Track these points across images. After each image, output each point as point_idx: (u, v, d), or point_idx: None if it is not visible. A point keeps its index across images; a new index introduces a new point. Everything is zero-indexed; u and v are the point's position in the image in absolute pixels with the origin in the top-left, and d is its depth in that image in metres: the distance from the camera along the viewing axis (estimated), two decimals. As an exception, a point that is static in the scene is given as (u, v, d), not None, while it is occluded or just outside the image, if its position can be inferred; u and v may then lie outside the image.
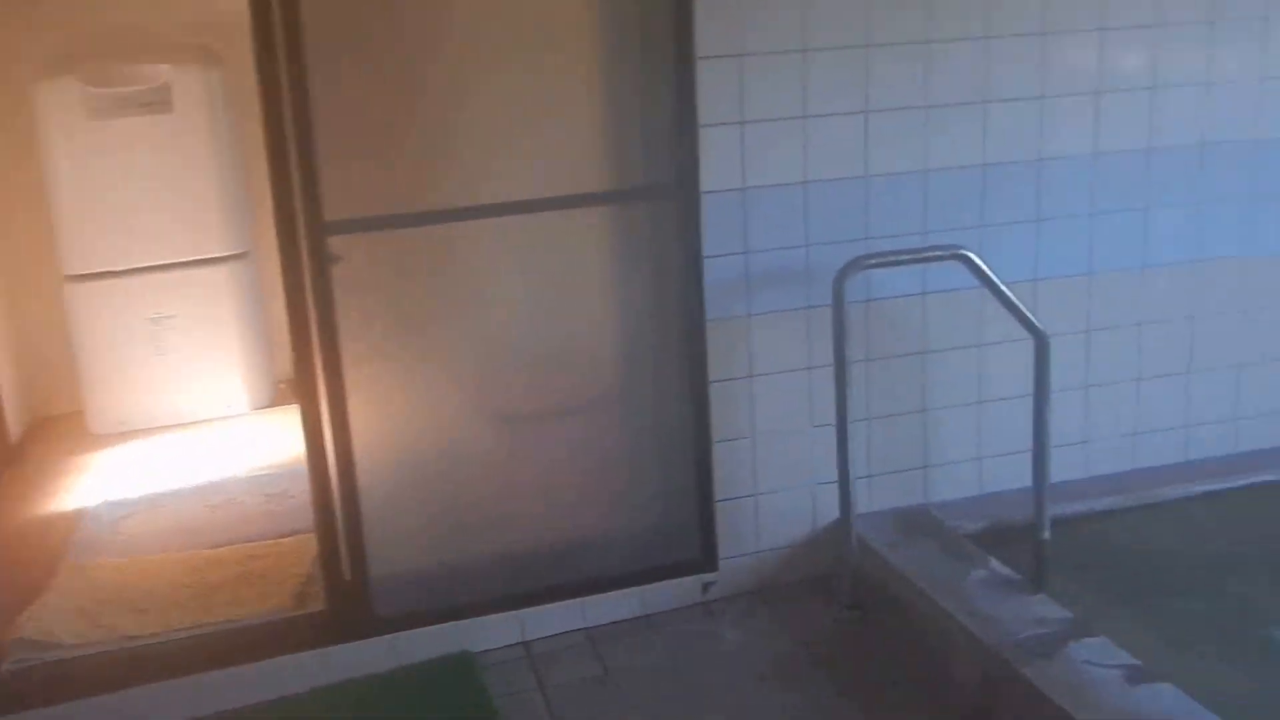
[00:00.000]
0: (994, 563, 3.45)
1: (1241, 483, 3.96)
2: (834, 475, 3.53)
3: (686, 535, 3.62)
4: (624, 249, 3.46)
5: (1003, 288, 3.31)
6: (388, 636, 3.33)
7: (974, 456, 3.83)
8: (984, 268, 3.32)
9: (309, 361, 3.21)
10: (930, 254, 3.42)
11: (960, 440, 3.81)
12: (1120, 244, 3.81)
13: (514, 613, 3.46)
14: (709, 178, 3.37)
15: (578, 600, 3.51)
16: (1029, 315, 3.30)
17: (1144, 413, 3.98)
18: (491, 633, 3.45)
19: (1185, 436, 4.05)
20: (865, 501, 3.70)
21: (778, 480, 3.65)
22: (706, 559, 3.62)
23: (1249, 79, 3.80)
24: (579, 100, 3.33)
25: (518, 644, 3.47)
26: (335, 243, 3.16)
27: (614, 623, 3.55)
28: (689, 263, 3.43)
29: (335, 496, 3.29)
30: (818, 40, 3.37)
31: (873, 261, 3.33)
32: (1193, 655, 3.14)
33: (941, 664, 3.23)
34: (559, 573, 3.52)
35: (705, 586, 3.65)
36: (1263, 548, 3.68)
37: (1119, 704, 2.75)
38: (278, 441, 4.99)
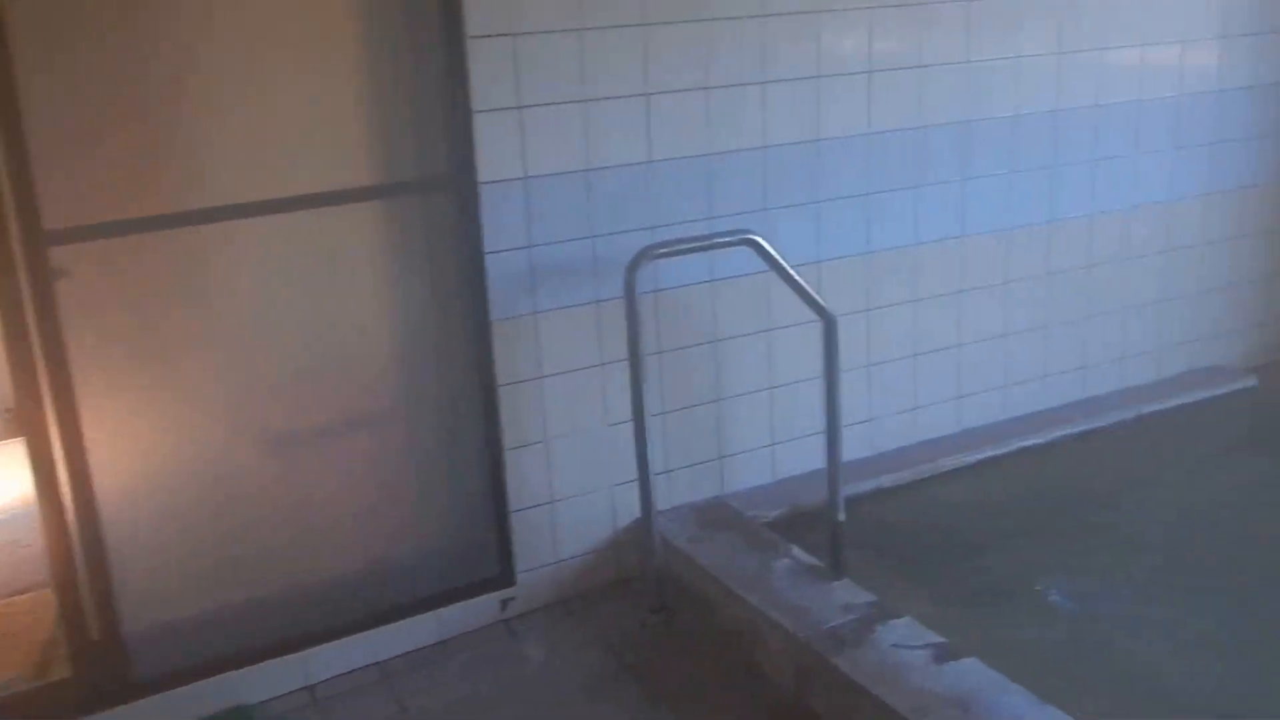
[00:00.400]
0: (796, 550, 3.40)
1: (1012, 448, 4.10)
2: (632, 474, 3.38)
3: (482, 550, 3.39)
4: (397, 248, 3.16)
5: (791, 271, 3.24)
6: (152, 698, 2.95)
7: (768, 443, 3.78)
8: (772, 252, 3.24)
9: (34, 389, 2.77)
10: (719, 240, 3.31)
11: (754, 427, 3.75)
12: (895, 222, 3.84)
13: (296, 655, 3.13)
14: (487, 167, 3.12)
15: (367, 633, 3.22)
16: (817, 298, 3.25)
17: (921, 387, 4.05)
18: (271, 680, 3.11)
19: (958, 407, 4.15)
20: (665, 498, 3.58)
21: (575, 484, 3.47)
22: (504, 574, 3.40)
23: (1005, 58, 3.91)
24: (337, 87, 3.00)
25: (302, 689, 3.15)
26: (59, 254, 2.73)
27: (409, 653, 3.28)
28: (469, 259, 3.18)
29: (75, 544, 2.86)
30: (595, 18, 3.18)
31: (663, 250, 3.18)
32: (983, 621, 3.20)
33: (753, 660, 3.15)
34: (344, 606, 3.22)
35: (504, 603, 3.43)
36: (1032, 510, 3.81)
37: (929, 685, 2.74)
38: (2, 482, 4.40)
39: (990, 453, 4.06)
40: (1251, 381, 4.60)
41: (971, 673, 2.79)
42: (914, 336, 3.99)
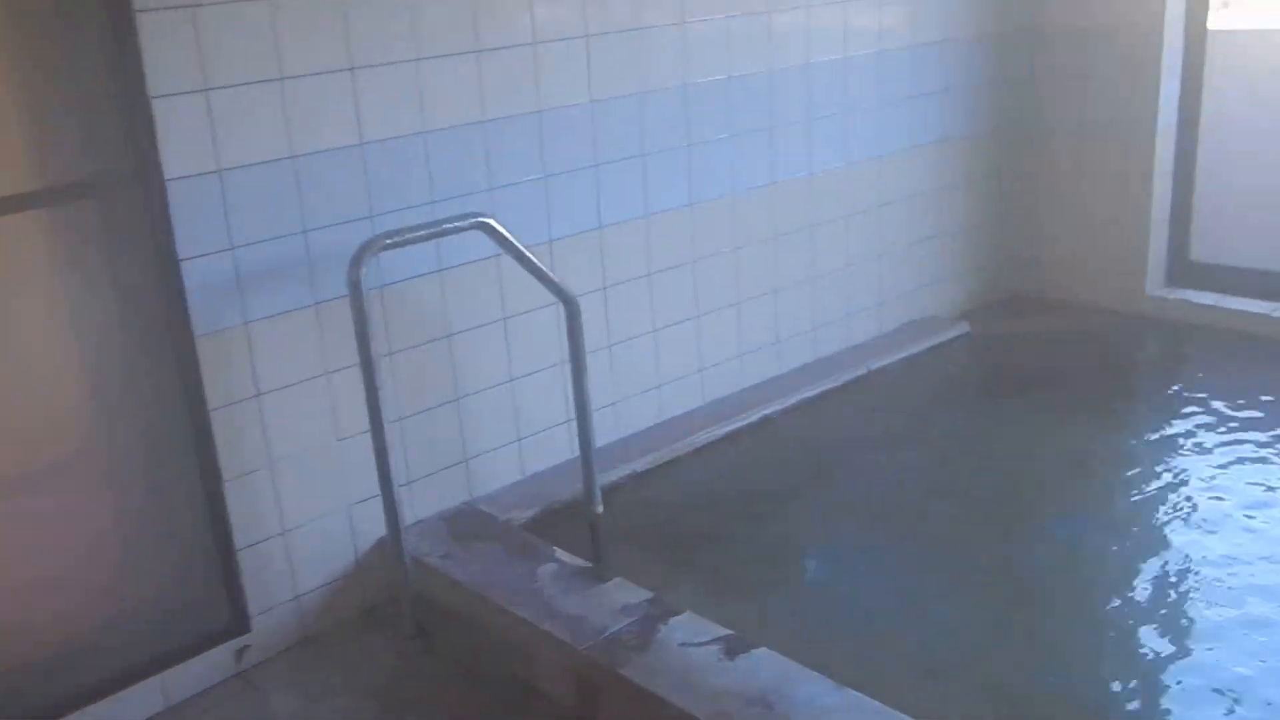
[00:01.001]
0: (559, 553, 3.19)
1: (755, 417, 4.06)
2: (372, 490, 3.06)
3: (207, 598, 2.96)
4: (71, 262, 2.67)
5: (527, 254, 3.01)
6: None
7: (514, 439, 3.53)
8: (507, 235, 2.99)
9: None
10: (451, 226, 3.01)
11: (498, 424, 3.49)
12: (625, 195, 3.67)
13: (-13, 758, 2.63)
14: (173, 161, 2.68)
15: (75, 715, 2.74)
16: (556, 280, 3.04)
17: (664, 364, 3.93)
18: (-41, 791, 2.59)
19: (701, 381, 4.06)
20: (411, 511, 3.28)
21: (308, 509, 3.09)
22: (236, 620, 2.99)
23: (716, 18, 3.81)
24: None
25: (1, 795, 2.65)
26: None
27: (132, 731, 2.83)
28: (161, 268, 2.73)
29: None
30: (286, -17, 2.80)
31: (391, 241, 2.85)
32: (757, 603, 3.12)
33: (530, 680, 2.92)
34: (43, 688, 2.72)
35: (240, 653, 3.01)
36: (783, 478, 3.77)
37: (726, 684, 2.61)
38: None
39: (736, 424, 3.99)
40: (964, 328, 4.79)
41: (765, 665, 2.67)
42: (652, 312, 3.85)
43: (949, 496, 3.64)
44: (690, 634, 2.81)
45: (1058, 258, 5.08)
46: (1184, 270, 4.94)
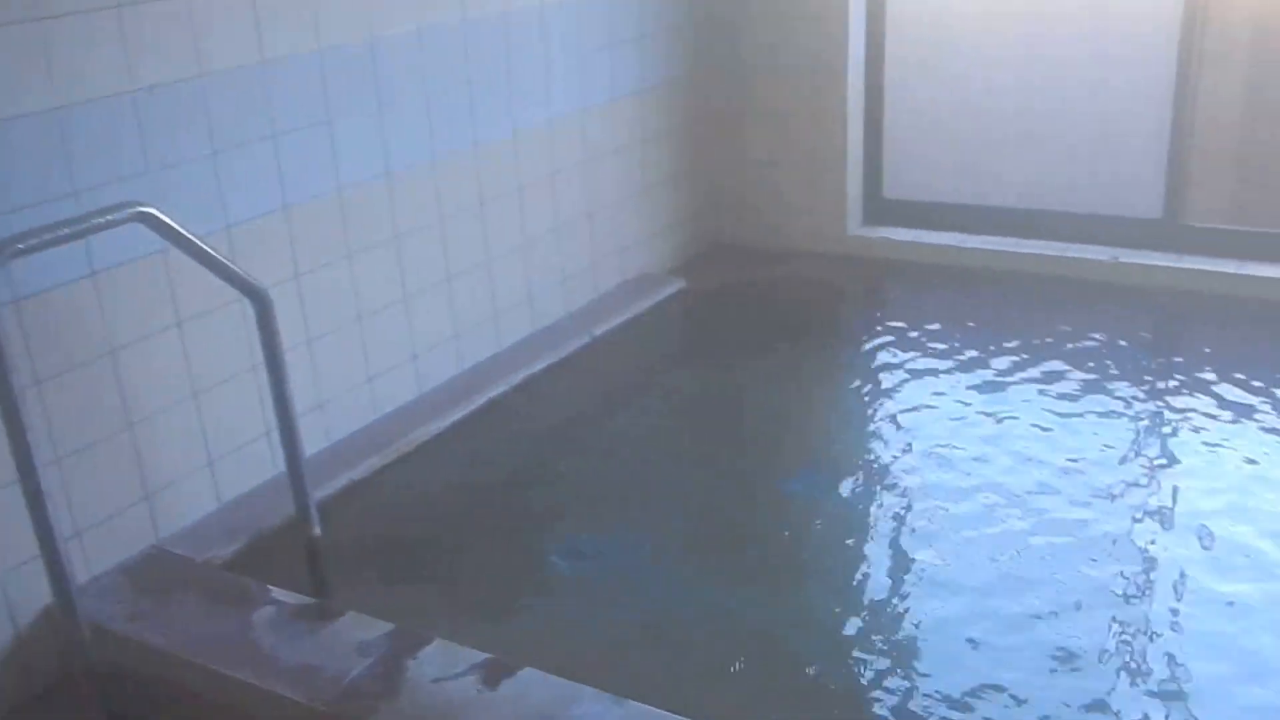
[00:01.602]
0: (275, 591, 2.74)
1: (478, 403, 3.70)
2: (31, 550, 2.46)
3: None
4: None
5: (200, 244, 2.51)
6: None
7: (204, 462, 3.01)
8: (174, 225, 2.47)
9: None
10: (101, 220, 2.43)
11: (184, 447, 2.96)
12: (312, 168, 3.19)
13: None
14: None
15: None
16: (239, 271, 2.57)
17: (373, 354, 3.49)
18: None
19: (415, 369, 3.66)
20: (84, 567, 2.71)
21: (-55, 586, 2.48)
22: None
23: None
24: None
25: None
26: None
27: None
28: None
29: None
30: None
31: (24, 245, 2.26)
32: (509, 615, 2.81)
33: (258, 750, 2.49)
34: None
35: None
36: (515, 468, 3.46)
37: (492, 717, 2.30)
38: None
39: (459, 413, 3.62)
40: (680, 283, 4.63)
41: (534, 688, 2.37)
42: (355, 297, 3.40)
43: (689, 465, 3.47)
44: (444, 666, 2.46)
45: (764, 203, 5.01)
46: (881, 208, 5.00)
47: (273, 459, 3.08)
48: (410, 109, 3.48)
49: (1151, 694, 2.42)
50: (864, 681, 2.54)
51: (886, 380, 3.87)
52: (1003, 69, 4.75)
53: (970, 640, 2.61)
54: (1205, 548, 2.87)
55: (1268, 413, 3.45)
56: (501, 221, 3.91)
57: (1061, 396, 3.66)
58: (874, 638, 2.66)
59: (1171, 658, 2.51)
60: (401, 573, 2.98)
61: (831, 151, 4.83)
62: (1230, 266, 4.24)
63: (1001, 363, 3.90)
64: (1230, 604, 2.66)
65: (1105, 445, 3.36)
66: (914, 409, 3.66)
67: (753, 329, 4.37)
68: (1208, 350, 3.90)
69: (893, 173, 4.98)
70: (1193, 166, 4.40)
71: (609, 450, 3.56)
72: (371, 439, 3.44)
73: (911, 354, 4.02)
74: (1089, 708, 2.39)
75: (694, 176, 4.92)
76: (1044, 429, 3.47)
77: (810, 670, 2.57)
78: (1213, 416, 3.47)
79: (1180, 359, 3.90)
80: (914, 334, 4.17)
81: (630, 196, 4.54)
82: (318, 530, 2.76)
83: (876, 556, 2.96)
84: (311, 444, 3.19)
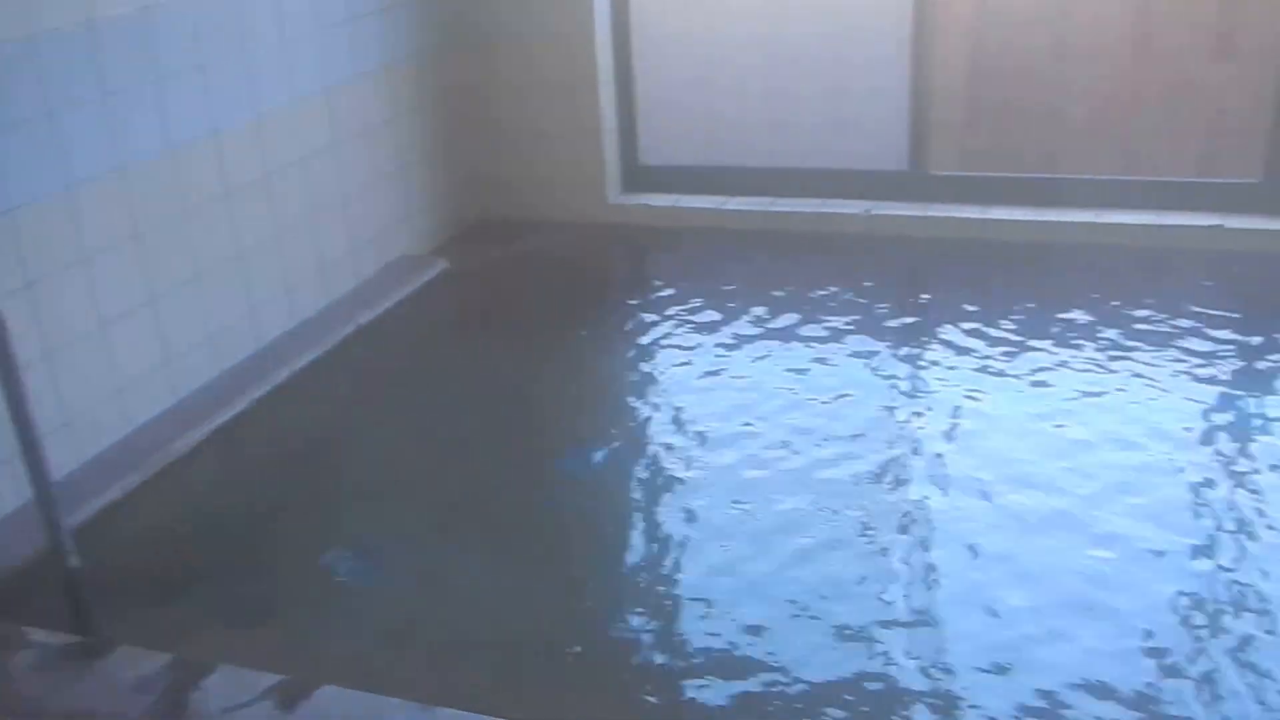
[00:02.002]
0: (32, 633, 2.50)
1: (240, 407, 3.49)
2: None
3: None
4: None
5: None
6: None
7: (-66, 500, 2.72)
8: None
9: None
10: None
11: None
12: (33, 164, 2.90)
13: None
14: None
15: None
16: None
17: (120, 363, 3.23)
18: None
19: (168, 375, 3.41)
20: None
21: None
22: None
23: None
24: None
25: None
26: None
27: None
28: None
29: None
30: None
31: None
32: (295, 631, 2.66)
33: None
34: None
35: None
36: (284, 475, 3.28)
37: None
38: None
39: (219, 419, 3.40)
40: (443, 264, 4.50)
41: (335, 706, 2.27)
42: (95, 301, 3.13)
43: (463, 451, 3.36)
44: (232, 694, 2.31)
45: (521, 176, 4.94)
46: (639, 176, 5.02)
47: (15, 488, 2.81)
48: (138, 95, 3.21)
49: (897, 624, 2.53)
50: (642, 649, 2.53)
51: (652, 347, 3.90)
52: (749, 35, 4.84)
53: (735, 590, 2.68)
54: (941, 488, 3.00)
55: (1003, 350, 3.67)
56: (250, 212, 3.69)
57: (817, 344, 3.79)
58: (648, 602, 2.68)
59: (911, 589, 2.64)
60: (173, 597, 2.76)
61: (585, 121, 4.81)
62: (974, 212, 4.52)
63: (762, 321, 3.99)
64: (972, 546, 2.79)
65: (859, 390, 3.48)
66: (678, 372, 3.70)
67: (519, 306, 4.31)
68: (962, 291, 4.11)
69: (648, 140, 5.01)
70: (932, 118, 4.63)
71: (379, 442, 3.43)
72: (127, 455, 3.18)
73: (674, 319, 4.06)
74: (847, 639, 2.49)
75: (449, 153, 4.79)
76: (800, 372, 3.60)
77: (581, 649, 2.53)
78: (964, 353, 3.66)
79: (931, 300, 4.10)
80: (677, 299, 4.22)
81: (384, 177, 4.38)
82: (75, 560, 2.53)
83: (649, 524, 2.97)
84: (61, 466, 2.93)
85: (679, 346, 3.87)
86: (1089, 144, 4.71)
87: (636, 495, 3.13)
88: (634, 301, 4.30)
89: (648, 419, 3.47)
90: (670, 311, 4.12)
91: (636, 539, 2.95)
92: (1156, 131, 4.64)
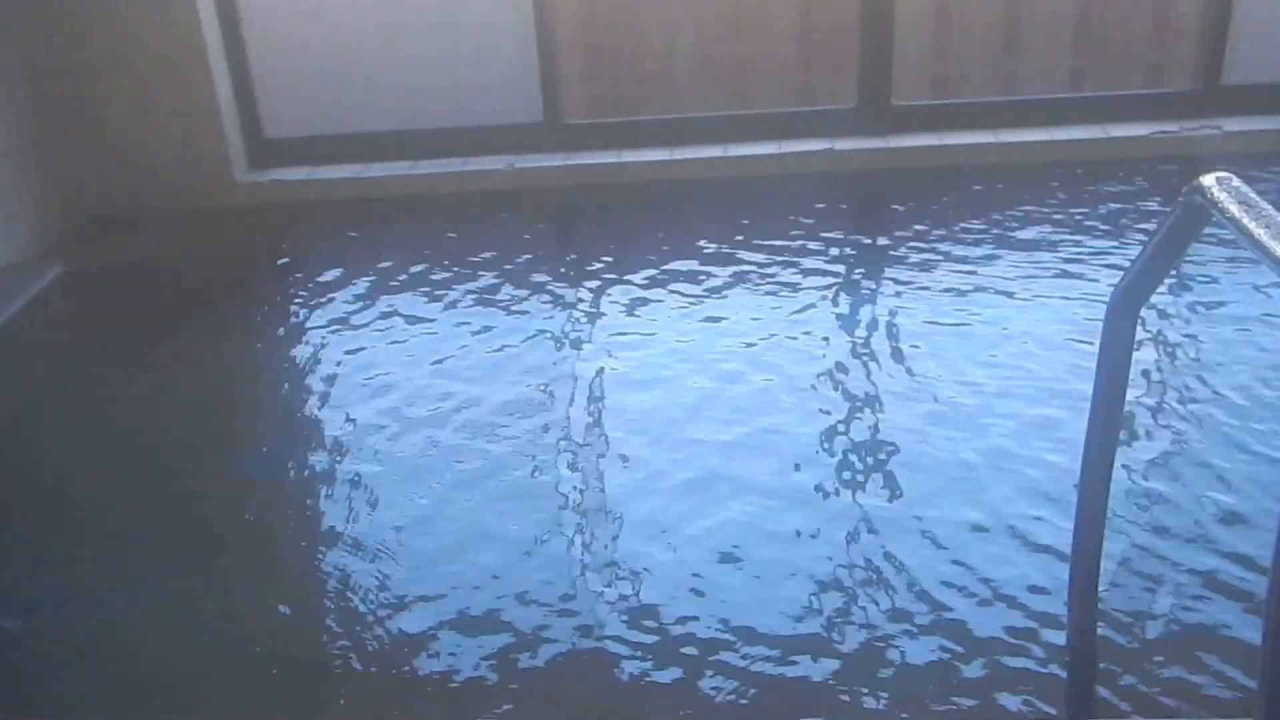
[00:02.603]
0: None
1: None
2: None
3: None
4: None
5: None
6: None
7: None
8: None
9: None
10: None
11: None
12: None
13: None
14: None
15: None
16: None
17: None
18: None
19: None
20: None
21: None
22: None
23: None
24: None
25: None
26: None
27: None
28: None
29: None
30: None
31: None
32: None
33: None
34: None
35: None
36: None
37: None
38: None
39: None
40: (59, 268, 4.06)
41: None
42: None
43: (126, 474, 3.05)
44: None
45: (135, 162, 4.54)
46: (266, 150, 4.76)
47: None
48: None
49: (604, 568, 2.58)
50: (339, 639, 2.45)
51: (305, 335, 3.72)
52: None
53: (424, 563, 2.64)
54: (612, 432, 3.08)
55: (650, 286, 3.81)
56: None
57: (479, 306, 3.76)
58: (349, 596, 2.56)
59: (616, 538, 2.67)
60: None
61: (198, 97, 4.49)
62: (610, 157, 4.64)
63: (425, 290, 3.91)
64: (656, 473, 2.88)
65: (520, 345, 3.49)
66: (333, 355, 3.55)
67: (153, 306, 3.99)
68: (604, 234, 4.23)
69: (273, 111, 4.75)
70: (561, 69, 4.69)
71: (28, 479, 3.08)
72: None
73: (326, 300, 3.89)
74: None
75: (47, 143, 4.33)
76: (462, 340, 3.55)
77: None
78: (636, 301, 3.75)
79: (578, 247, 4.19)
80: (324, 279, 4.04)
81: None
82: None
83: (338, 520, 2.82)
84: None
85: (331, 329, 3.69)
86: (702, 84, 4.92)
87: (312, 494, 2.98)
88: (277, 288, 4.10)
89: (313, 407, 3.32)
90: (321, 294, 3.94)
91: (316, 539, 2.80)
92: (759, 69, 4.93)
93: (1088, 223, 4.03)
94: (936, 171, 4.49)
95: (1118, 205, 4.15)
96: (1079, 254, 3.82)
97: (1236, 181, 1.39)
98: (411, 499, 2.83)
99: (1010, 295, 3.60)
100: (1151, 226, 4.03)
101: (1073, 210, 4.12)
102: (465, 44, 4.66)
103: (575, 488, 2.84)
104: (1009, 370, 3.17)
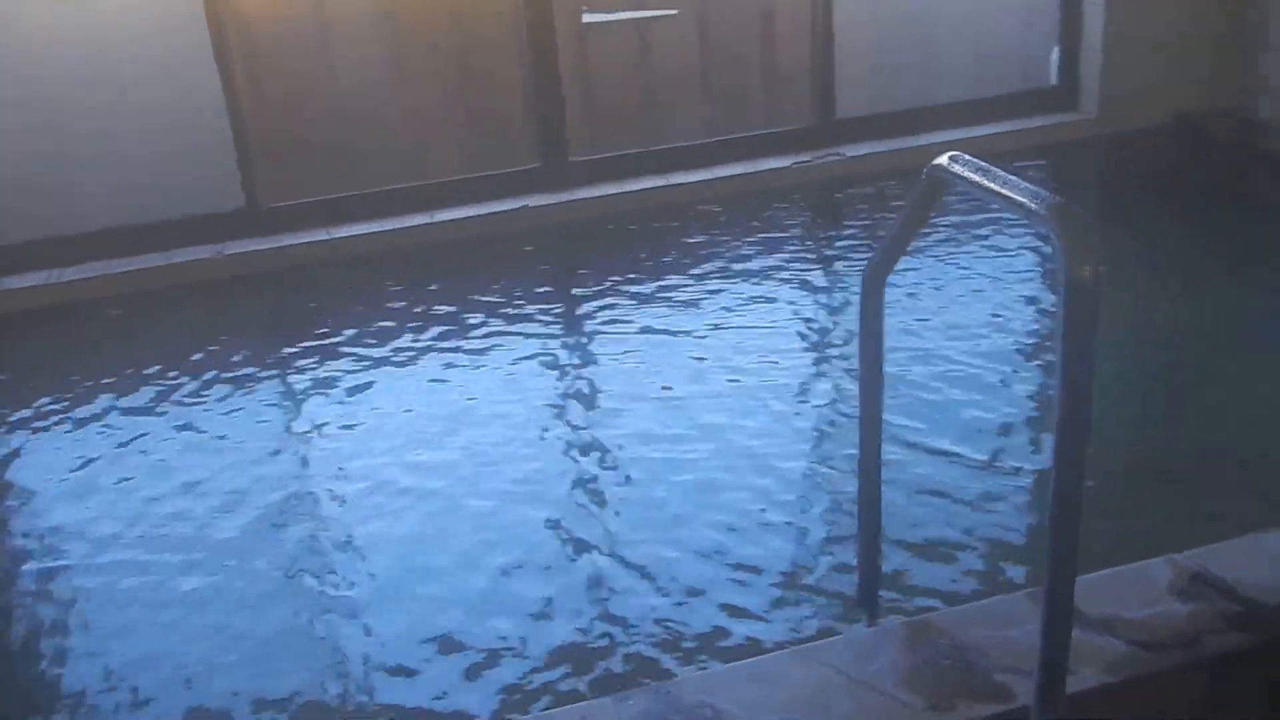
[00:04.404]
0: None
1: None
2: None
3: None
4: None
5: None
6: None
7: None
8: None
9: None
10: None
11: None
12: None
13: None
14: None
15: None
16: None
17: None
18: None
19: None
20: None
21: None
22: None
23: None
24: None
25: None
26: None
27: None
28: None
29: None
30: None
31: None
32: None
33: None
34: None
35: None
36: None
37: None
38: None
39: None
40: None
41: None
42: None
43: None
44: None
45: None
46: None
47: None
48: None
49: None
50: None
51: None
52: (68, 86, 4.54)
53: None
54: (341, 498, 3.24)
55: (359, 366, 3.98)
56: None
57: (204, 407, 3.76)
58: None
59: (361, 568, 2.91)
60: None
61: None
62: (321, 235, 4.83)
63: (134, 391, 3.87)
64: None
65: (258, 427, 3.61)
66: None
67: None
68: (329, 317, 4.36)
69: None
70: (256, 158, 4.81)
71: None
72: None
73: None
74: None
75: None
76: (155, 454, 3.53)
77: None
78: (348, 372, 3.92)
79: (313, 329, 4.30)
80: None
81: None
82: None
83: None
84: None
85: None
86: (385, 160, 5.15)
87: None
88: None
89: None
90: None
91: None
92: (449, 140, 5.26)
93: (751, 244, 4.70)
94: (619, 216, 5.00)
95: (766, 232, 4.80)
96: (766, 270, 4.45)
97: (966, 156, 1.93)
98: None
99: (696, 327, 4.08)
100: (805, 241, 4.78)
101: (743, 236, 4.77)
102: (165, 142, 4.67)
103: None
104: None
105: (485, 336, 4.07)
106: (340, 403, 3.70)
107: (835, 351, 3.84)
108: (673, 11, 5.22)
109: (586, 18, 5.07)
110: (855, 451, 2.42)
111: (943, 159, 1.98)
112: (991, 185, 1.82)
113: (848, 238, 4.85)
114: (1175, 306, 3.95)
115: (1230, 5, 5.42)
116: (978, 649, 2.15)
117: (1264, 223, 4.53)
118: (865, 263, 2.31)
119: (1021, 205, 1.74)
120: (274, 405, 3.78)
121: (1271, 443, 3.12)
